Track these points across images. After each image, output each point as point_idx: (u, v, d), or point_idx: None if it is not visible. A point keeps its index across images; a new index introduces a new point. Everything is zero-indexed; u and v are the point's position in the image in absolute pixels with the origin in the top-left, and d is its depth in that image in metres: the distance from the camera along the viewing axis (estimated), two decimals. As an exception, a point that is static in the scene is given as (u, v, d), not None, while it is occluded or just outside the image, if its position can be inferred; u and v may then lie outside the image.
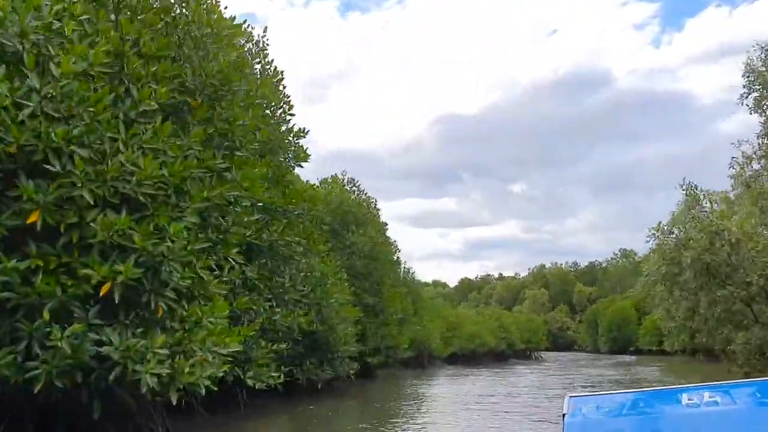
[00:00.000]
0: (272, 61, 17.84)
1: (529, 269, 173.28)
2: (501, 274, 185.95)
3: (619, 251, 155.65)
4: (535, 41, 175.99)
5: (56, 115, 8.58)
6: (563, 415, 4.32)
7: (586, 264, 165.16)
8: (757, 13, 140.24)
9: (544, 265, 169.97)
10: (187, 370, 9.06)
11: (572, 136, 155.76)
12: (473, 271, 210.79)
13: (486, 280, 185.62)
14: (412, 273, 60.53)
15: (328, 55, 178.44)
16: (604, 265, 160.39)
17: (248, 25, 14.45)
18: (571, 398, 4.58)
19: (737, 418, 4.02)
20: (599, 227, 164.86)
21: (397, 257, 48.69)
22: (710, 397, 4.22)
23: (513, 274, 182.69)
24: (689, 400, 4.24)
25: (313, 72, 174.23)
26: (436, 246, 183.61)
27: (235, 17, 12.30)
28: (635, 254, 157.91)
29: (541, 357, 79.77)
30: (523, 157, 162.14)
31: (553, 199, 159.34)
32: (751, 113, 26.94)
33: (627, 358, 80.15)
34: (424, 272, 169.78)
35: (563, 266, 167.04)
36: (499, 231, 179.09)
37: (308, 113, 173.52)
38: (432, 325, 49.63)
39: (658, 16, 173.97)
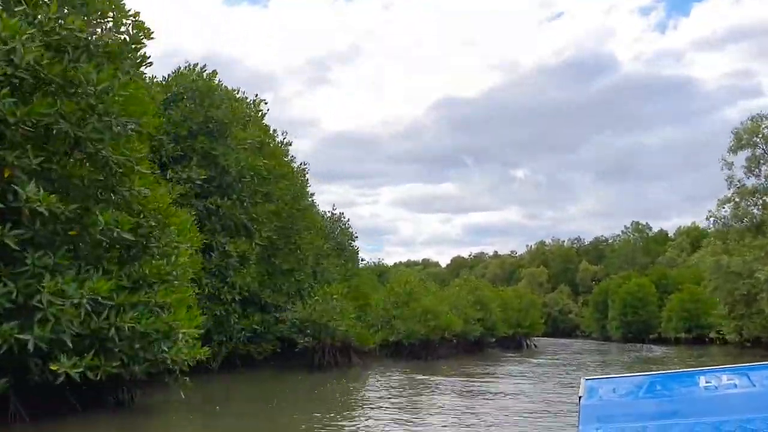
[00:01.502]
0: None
1: (527, 246, 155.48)
2: (496, 252, 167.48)
3: (631, 225, 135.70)
4: (540, 23, 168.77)
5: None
6: (579, 398, 4.26)
7: (591, 239, 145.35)
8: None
9: (544, 242, 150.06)
10: None
11: (575, 120, 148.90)
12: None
13: (480, 258, 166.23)
14: (346, 224, 40.72)
15: (329, 38, 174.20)
16: (610, 241, 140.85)
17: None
18: (587, 381, 4.53)
19: (756, 400, 3.88)
20: (601, 213, 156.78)
21: (313, 200, 31.31)
22: (728, 379, 4.17)
23: (509, 252, 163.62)
24: (707, 382, 4.20)
25: (315, 54, 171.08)
26: (437, 231, 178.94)
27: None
28: (649, 229, 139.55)
29: (535, 346, 59.72)
30: (525, 141, 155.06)
31: (556, 185, 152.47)
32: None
33: (655, 349, 59.59)
34: (425, 258, 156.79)
35: (565, 243, 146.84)
36: (500, 216, 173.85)
37: (310, 95, 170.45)
38: (351, 298, 29.95)
39: (664, 1, 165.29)
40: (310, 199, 34.81)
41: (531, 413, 16.10)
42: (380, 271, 66.81)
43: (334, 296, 27.71)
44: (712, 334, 67.22)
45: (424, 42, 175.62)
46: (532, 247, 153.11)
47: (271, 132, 30.00)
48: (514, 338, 57.25)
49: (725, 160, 39.78)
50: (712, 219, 41.46)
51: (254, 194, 25.62)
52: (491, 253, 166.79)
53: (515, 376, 28.79)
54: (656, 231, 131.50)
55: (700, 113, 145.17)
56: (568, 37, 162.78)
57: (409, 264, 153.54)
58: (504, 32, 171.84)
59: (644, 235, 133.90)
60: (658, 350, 57.33)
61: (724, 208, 41.14)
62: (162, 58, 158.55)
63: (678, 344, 67.24)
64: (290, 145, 31.79)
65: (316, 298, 27.29)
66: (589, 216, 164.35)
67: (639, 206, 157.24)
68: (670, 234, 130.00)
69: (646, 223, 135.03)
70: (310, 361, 27.42)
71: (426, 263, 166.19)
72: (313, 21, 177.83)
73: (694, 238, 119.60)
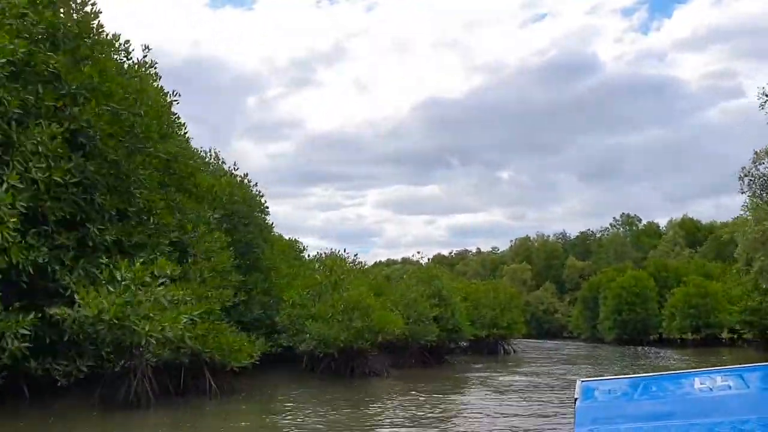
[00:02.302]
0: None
1: (510, 241, 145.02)
2: (479, 249, 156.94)
3: (620, 217, 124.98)
4: (523, 24, 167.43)
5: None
6: (575, 399, 4.30)
7: (578, 234, 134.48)
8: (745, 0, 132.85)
9: (528, 237, 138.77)
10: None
11: (559, 121, 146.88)
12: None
13: (462, 255, 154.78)
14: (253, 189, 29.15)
15: (314, 39, 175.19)
16: (598, 235, 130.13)
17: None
18: (583, 382, 4.54)
19: (749, 402, 3.91)
20: (585, 214, 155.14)
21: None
22: (723, 381, 4.18)
23: (491, 249, 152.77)
24: (702, 384, 4.21)
25: (299, 55, 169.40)
26: (422, 233, 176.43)
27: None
28: (638, 221, 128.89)
29: (513, 351, 48.25)
30: (510, 142, 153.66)
31: (540, 186, 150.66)
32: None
33: (661, 353, 48.12)
34: (405, 257, 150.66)
35: (550, 238, 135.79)
36: (485, 217, 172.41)
37: (295, 97, 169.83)
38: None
39: (647, 2, 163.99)
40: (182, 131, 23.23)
41: None
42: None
43: (161, 279, 15.92)
44: (725, 334, 56.16)
45: (408, 43, 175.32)
46: (516, 242, 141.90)
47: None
48: (487, 341, 45.84)
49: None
50: (746, 179, 30.22)
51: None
52: (474, 251, 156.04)
53: (468, 409, 17.20)
54: (646, 224, 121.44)
55: (682, 113, 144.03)
56: (552, 38, 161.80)
57: (389, 263, 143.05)
58: (488, 33, 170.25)
59: (634, 228, 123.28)
60: (664, 354, 46.04)
61: (763, 162, 30.02)
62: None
63: (684, 346, 56.18)
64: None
65: (125, 282, 15.49)
66: (573, 216, 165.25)
67: (623, 206, 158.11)
68: (662, 227, 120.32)
69: (635, 215, 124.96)
70: (113, 391, 15.67)
71: (406, 261, 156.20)
72: (297, 22, 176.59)
73: (688, 230, 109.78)
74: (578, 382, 4.50)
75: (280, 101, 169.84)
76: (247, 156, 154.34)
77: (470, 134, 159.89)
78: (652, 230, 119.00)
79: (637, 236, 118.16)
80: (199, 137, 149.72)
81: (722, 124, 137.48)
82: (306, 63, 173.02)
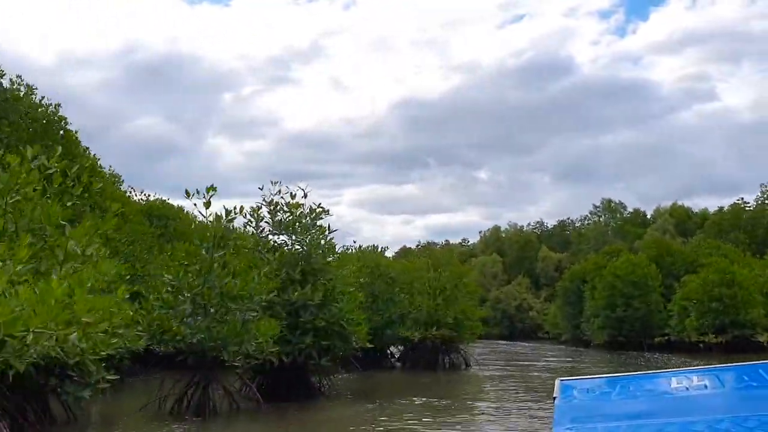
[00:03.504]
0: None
1: (480, 232, 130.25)
2: (447, 241, 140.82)
3: (601, 204, 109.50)
4: (502, 25, 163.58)
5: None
6: (554, 398, 4.32)
7: (555, 223, 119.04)
8: (720, 3, 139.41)
9: (498, 227, 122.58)
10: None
11: (535, 122, 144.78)
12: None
13: (429, 248, 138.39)
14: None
15: (291, 37, 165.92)
16: (577, 225, 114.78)
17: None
18: (561, 382, 4.57)
19: (725, 401, 3.96)
20: (561, 215, 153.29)
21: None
22: (699, 380, 4.22)
23: (460, 241, 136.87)
24: (678, 383, 4.25)
25: (277, 53, 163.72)
26: (398, 233, 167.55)
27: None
28: (623, 208, 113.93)
29: (465, 362, 31.53)
30: (487, 142, 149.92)
31: (516, 186, 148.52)
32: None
33: (680, 363, 31.32)
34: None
35: (525, 228, 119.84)
36: (461, 218, 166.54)
37: (271, 94, 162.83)
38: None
39: (624, 5, 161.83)
40: None
41: None
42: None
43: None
44: (763, 338, 40.36)
45: (386, 42, 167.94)
46: (486, 233, 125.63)
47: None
48: (421, 347, 29.49)
49: None
50: None
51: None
52: (442, 242, 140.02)
53: None
54: (632, 211, 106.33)
55: (656, 116, 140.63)
56: (529, 39, 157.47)
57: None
58: (466, 33, 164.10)
59: (617, 215, 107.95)
60: (681, 364, 29.84)
61: None
62: (119, 55, 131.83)
63: (702, 351, 40.28)
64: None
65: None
66: (548, 216, 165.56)
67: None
68: (648, 215, 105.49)
69: (619, 201, 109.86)
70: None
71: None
72: (274, 19, 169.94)
73: (679, 218, 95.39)
74: (557, 382, 4.51)
75: (256, 99, 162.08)
76: (222, 153, 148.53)
77: (448, 134, 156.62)
78: (638, 218, 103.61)
79: (621, 225, 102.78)
80: (175, 134, 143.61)
81: (696, 126, 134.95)
82: (283, 60, 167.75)
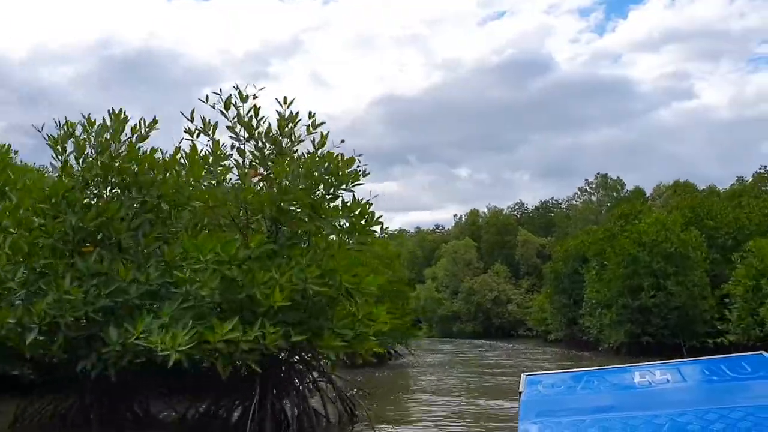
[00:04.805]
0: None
1: (455, 215, 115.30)
2: (418, 228, 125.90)
3: (595, 179, 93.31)
4: (483, 22, 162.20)
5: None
6: (520, 393, 4.34)
7: (538, 203, 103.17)
8: (698, 2, 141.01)
9: (477, 211, 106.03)
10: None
11: (516, 119, 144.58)
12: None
13: (395, 236, 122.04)
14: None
15: (271, 32, 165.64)
16: (564, 206, 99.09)
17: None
18: (527, 376, 4.63)
19: (687, 395, 3.99)
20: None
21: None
22: (662, 375, 4.28)
23: (433, 228, 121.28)
24: (642, 378, 4.29)
25: (256, 48, 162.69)
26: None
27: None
28: (621, 185, 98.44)
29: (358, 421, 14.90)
30: (468, 140, 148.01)
31: (497, 184, 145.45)
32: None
33: None
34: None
35: (504, 211, 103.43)
36: (442, 215, 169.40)
37: (250, 90, 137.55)
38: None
39: (604, 3, 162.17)
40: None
41: None
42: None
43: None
44: None
45: (367, 38, 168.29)
46: (461, 217, 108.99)
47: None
48: (297, 365, 12.99)
49: None
50: None
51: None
52: (412, 230, 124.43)
53: None
54: (632, 189, 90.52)
55: (636, 114, 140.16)
56: (509, 37, 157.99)
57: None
58: (446, 30, 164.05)
59: (612, 192, 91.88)
60: None
61: None
62: (96, 48, 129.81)
63: None
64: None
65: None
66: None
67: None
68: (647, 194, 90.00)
69: (618, 177, 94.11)
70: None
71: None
72: (253, 14, 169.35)
73: (683, 195, 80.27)
74: (523, 376, 4.56)
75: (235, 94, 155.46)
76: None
77: (429, 131, 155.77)
78: (639, 197, 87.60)
79: (619, 203, 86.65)
80: (153, 130, 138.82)
81: (674, 124, 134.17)
82: (262, 56, 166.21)
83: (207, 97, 14.19)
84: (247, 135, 14.02)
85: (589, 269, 39.28)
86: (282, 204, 12.95)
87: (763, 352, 4.48)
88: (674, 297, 31.60)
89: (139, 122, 14.08)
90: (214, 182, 13.39)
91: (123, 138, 13.73)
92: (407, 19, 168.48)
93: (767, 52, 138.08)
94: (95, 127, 13.45)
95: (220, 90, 14.32)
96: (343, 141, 13.67)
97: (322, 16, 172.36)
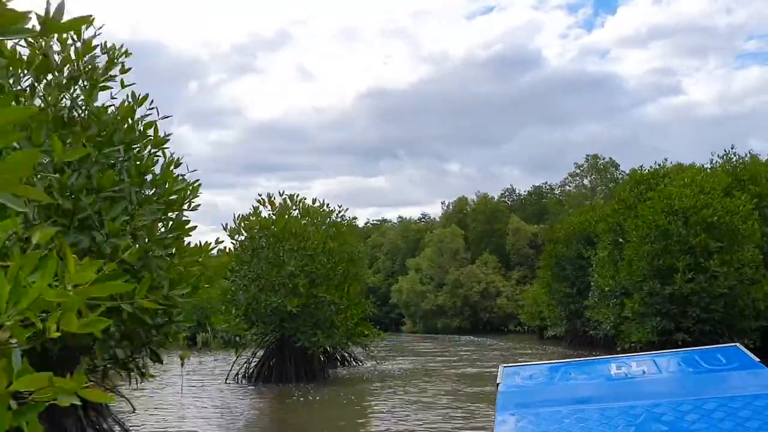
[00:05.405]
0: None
1: (442, 203, 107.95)
2: (401, 217, 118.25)
3: (585, 161, 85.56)
4: (471, 16, 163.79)
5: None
6: (497, 384, 4.37)
7: (530, 188, 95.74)
8: None
9: (465, 198, 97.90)
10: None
11: (504, 114, 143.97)
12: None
13: (378, 226, 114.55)
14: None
15: (256, 24, 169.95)
16: (557, 192, 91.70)
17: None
18: (505, 368, 4.64)
19: (662, 386, 4.05)
20: None
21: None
22: (637, 366, 4.32)
23: (418, 216, 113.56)
24: (618, 369, 4.33)
25: (242, 41, 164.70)
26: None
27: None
28: (615, 166, 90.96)
29: None
30: (456, 134, 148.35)
31: (486, 178, 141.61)
32: None
33: None
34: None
35: (495, 199, 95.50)
36: (431, 210, 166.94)
37: (236, 83, 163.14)
38: None
39: None
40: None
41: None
42: None
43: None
44: None
45: (353, 31, 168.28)
46: (448, 205, 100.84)
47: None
48: None
49: None
50: None
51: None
52: (395, 220, 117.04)
53: None
54: (629, 171, 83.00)
55: (623, 109, 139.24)
56: (498, 32, 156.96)
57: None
58: (434, 24, 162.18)
59: (606, 174, 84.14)
60: None
61: None
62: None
63: None
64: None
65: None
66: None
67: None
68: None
69: (611, 158, 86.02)
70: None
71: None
72: (239, 6, 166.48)
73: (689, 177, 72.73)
74: (500, 368, 4.56)
75: (221, 87, 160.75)
76: (187, 143, 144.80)
77: (417, 125, 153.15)
78: (647, 176, 79.80)
79: (615, 186, 78.97)
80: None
81: (661, 120, 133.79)
82: (248, 48, 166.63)
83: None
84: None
85: (600, 249, 31.54)
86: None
87: (738, 344, 4.39)
88: (718, 282, 23.87)
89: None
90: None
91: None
92: (395, 11, 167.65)
93: (754, 48, 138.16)
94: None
95: None
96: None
97: (308, 8, 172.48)
